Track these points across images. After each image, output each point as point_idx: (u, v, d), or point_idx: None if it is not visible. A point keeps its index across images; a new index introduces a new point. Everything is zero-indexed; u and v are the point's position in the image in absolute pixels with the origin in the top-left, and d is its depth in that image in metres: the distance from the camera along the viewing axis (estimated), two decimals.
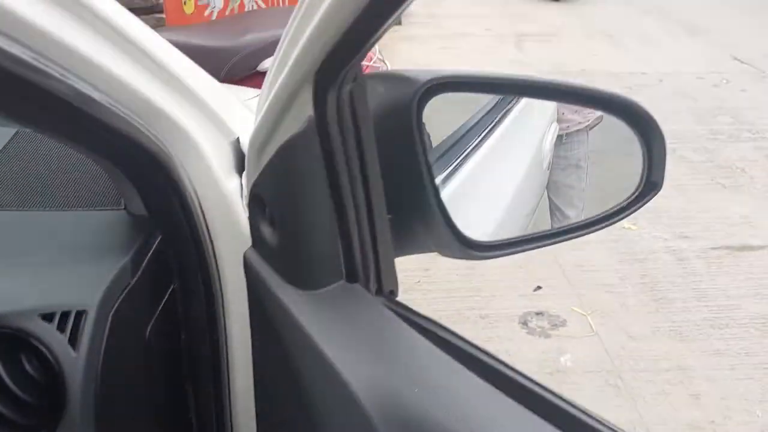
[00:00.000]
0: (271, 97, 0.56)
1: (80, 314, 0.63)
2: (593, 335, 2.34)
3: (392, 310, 0.58)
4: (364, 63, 2.72)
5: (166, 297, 0.74)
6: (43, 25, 0.52)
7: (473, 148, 0.90)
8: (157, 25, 4.22)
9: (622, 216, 0.76)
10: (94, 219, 0.77)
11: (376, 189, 0.59)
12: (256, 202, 0.63)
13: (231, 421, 0.78)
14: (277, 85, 0.55)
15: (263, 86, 0.62)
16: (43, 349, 0.62)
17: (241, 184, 0.73)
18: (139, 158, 0.64)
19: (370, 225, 0.59)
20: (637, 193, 0.77)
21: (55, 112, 0.55)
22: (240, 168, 0.73)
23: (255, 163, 0.63)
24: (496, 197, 0.96)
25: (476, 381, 0.50)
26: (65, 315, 0.63)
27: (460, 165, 0.86)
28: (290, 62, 0.52)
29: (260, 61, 2.58)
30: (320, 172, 0.55)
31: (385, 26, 0.44)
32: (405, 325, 0.55)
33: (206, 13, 3.72)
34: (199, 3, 3.69)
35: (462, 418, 0.47)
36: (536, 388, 0.49)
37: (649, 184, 0.76)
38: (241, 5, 3.71)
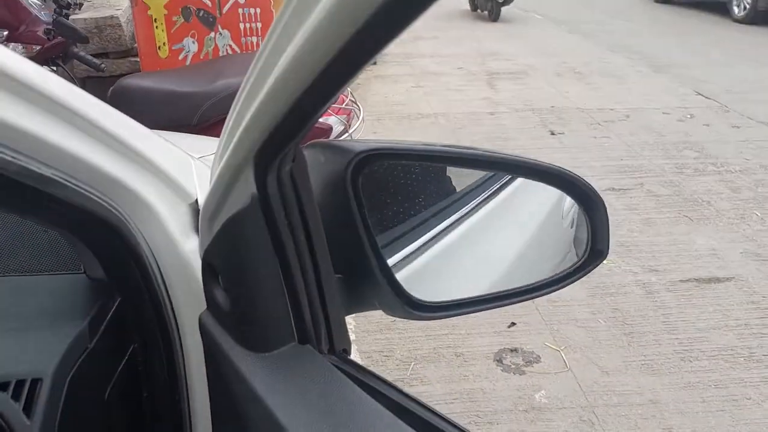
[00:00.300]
0: (217, 172, 0.58)
1: (35, 382, 0.64)
2: (567, 371, 2.36)
3: (342, 370, 0.59)
4: (336, 106, 2.77)
5: (127, 357, 0.75)
6: None
7: (472, 209, 0.89)
8: (132, 69, 4.26)
9: (569, 282, 0.78)
10: (53, 284, 0.77)
11: (323, 255, 0.60)
12: (209, 268, 0.65)
13: None
14: (222, 161, 0.57)
15: (215, 154, 0.64)
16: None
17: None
18: (96, 226, 0.66)
19: (318, 288, 0.60)
20: (582, 260, 0.78)
21: (8, 191, 0.57)
22: (198, 228, 0.75)
23: (207, 231, 0.65)
24: (495, 259, 0.93)
25: None
26: (20, 384, 0.63)
27: (453, 226, 0.85)
28: (233, 142, 0.54)
29: None
30: (267, 243, 0.57)
31: (324, 109, 0.46)
32: (353, 385, 0.57)
33: (181, 57, 3.76)
34: (173, 47, 3.74)
35: None
36: None
37: (595, 252, 0.78)
38: (216, 50, 3.76)
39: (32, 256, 0.82)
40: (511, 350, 2.48)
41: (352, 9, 0.34)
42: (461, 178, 0.83)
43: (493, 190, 0.87)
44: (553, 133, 4.95)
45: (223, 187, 0.58)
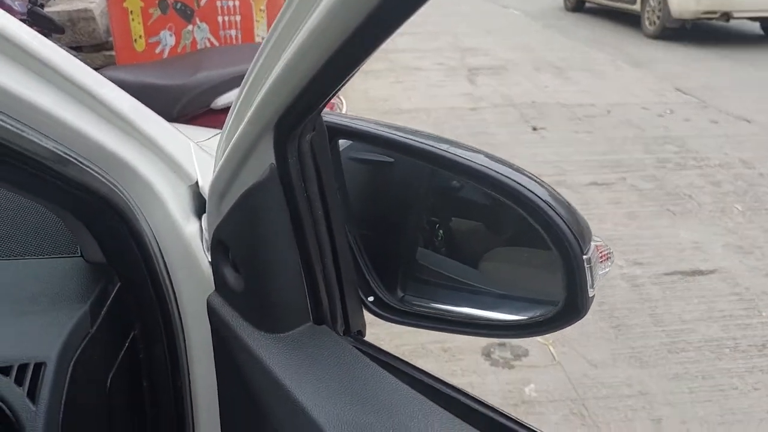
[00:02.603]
0: (231, 143, 0.56)
1: (39, 366, 0.61)
2: (555, 364, 2.35)
3: (360, 350, 0.58)
4: None
5: (127, 344, 0.72)
6: None
7: None
8: (107, 63, 4.17)
9: (540, 332, 0.63)
10: (49, 267, 0.74)
11: (339, 231, 0.58)
12: (219, 247, 0.62)
13: None
14: (237, 132, 0.54)
15: (223, 131, 0.61)
16: (2, 404, 0.58)
17: (201, 228, 0.71)
18: (97, 206, 0.63)
19: (335, 266, 0.59)
20: (557, 311, 0.61)
21: (13, 166, 0.54)
22: (200, 211, 0.72)
23: (216, 208, 0.62)
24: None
25: (446, 416, 0.50)
26: (23, 368, 0.60)
27: None
28: (251, 111, 0.52)
29: (213, 99, 2.56)
30: (284, 218, 0.55)
31: (350, 76, 0.44)
32: (373, 365, 0.56)
33: (157, 50, 3.68)
34: (150, 41, 3.66)
35: None
36: (503, 420, 0.51)
37: (570, 308, 0.60)
38: (194, 43, 3.69)
39: (25, 239, 0.78)
40: (499, 344, 2.46)
41: None
42: None
43: None
44: (534, 129, 4.95)
45: (238, 160, 0.55)
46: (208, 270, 0.70)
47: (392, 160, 0.67)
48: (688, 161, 4.29)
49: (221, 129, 1.38)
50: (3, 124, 0.51)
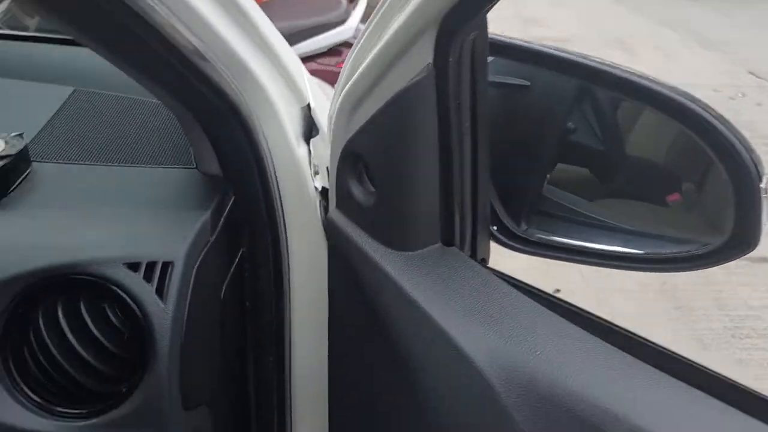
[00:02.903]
0: (381, 45, 0.53)
1: (166, 265, 0.60)
2: None
3: (494, 272, 0.57)
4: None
5: (237, 261, 0.71)
6: None
7: None
8: None
9: (699, 265, 0.61)
10: (166, 175, 0.74)
11: (483, 151, 0.56)
12: (350, 159, 0.60)
13: (290, 401, 0.75)
14: (390, 30, 0.51)
15: (358, 41, 0.59)
16: (129, 300, 0.59)
17: (309, 151, 0.70)
18: (220, 111, 0.62)
19: (473, 190, 0.57)
20: (720, 245, 0.59)
21: (151, 48, 0.53)
22: (308, 135, 0.71)
23: (347, 121, 0.60)
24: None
25: (593, 341, 0.49)
26: (151, 266, 0.60)
27: None
28: (410, 5, 0.48)
29: None
30: (432, 128, 0.52)
31: None
32: (509, 288, 0.54)
33: None
34: None
35: (593, 383, 0.45)
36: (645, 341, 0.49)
37: (739, 239, 0.57)
38: None
39: (137, 148, 0.78)
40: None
41: None
42: None
43: None
44: None
45: (387, 61, 0.52)
46: (314, 196, 0.69)
47: (528, 83, 0.64)
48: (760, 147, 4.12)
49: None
50: (159, 10, 0.50)
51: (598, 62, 0.62)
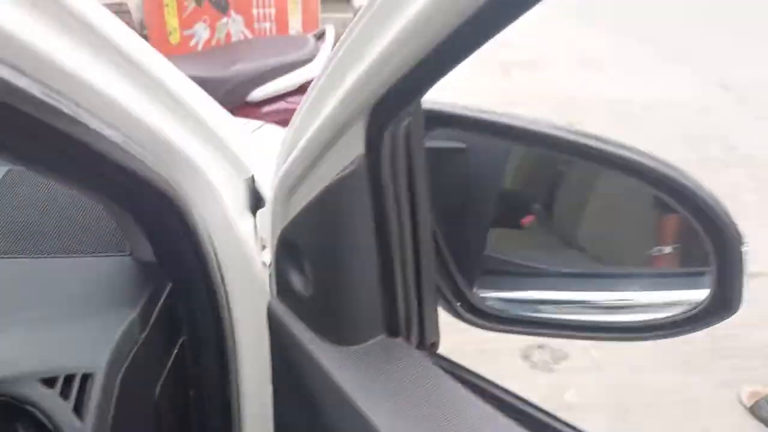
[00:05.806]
0: (310, 133, 0.50)
1: (86, 378, 0.56)
2: (596, 368, 2.27)
3: (438, 366, 0.53)
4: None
5: (176, 351, 0.67)
6: (53, 56, 0.45)
7: None
8: None
9: (679, 332, 0.59)
10: (97, 266, 0.69)
11: (425, 235, 0.53)
12: (285, 248, 0.57)
13: None
14: (320, 119, 0.48)
15: (292, 123, 0.55)
16: (44, 419, 0.54)
17: (255, 225, 0.67)
18: (150, 199, 0.58)
19: (416, 273, 0.53)
20: (701, 308, 0.58)
21: (63, 151, 0.49)
22: (254, 207, 0.67)
23: (283, 207, 0.57)
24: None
25: None
26: (69, 379, 0.56)
27: None
28: (339, 95, 0.45)
29: (250, 92, 2.53)
30: (367, 218, 0.49)
31: (468, 55, 0.38)
32: (455, 385, 0.51)
33: (192, 43, 3.67)
34: (184, 33, 3.65)
35: None
36: None
37: (721, 302, 0.56)
38: (228, 35, 3.67)
39: (69, 236, 0.74)
40: (539, 346, 2.39)
41: None
42: None
43: None
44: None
45: (316, 152, 0.49)
46: (262, 272, 0.65)
47: (464, 146, 0.61)
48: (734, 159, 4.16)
49: (259, 122, 1.31)
50: (66, 111, 0.46)
51: (538, 124, 0.59)
